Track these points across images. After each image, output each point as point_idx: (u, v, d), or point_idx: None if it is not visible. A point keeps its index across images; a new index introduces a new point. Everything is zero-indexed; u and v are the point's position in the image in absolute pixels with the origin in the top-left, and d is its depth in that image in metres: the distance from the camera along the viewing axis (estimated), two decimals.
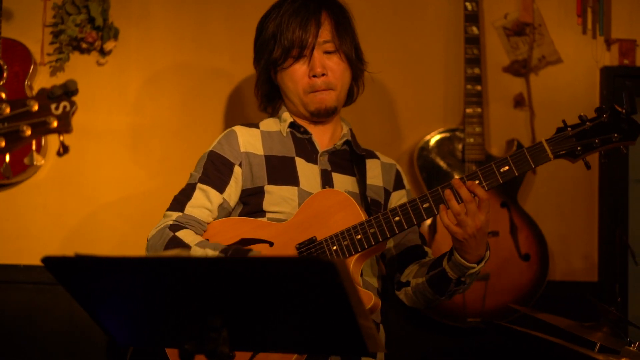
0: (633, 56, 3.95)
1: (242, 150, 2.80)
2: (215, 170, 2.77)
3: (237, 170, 2.78)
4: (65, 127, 2.06)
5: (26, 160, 2.24)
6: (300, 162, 2.81)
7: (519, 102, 3.91)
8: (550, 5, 3.96)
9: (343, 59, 2.81)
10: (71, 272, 1.88)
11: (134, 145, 3.71)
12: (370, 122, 3.81)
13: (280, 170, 2.78)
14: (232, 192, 2.77)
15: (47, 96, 2.07)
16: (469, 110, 3.76)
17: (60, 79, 3.65)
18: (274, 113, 2.96)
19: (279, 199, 2.74)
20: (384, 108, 3.85)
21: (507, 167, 2.53)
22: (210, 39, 3.78)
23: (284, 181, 2.77)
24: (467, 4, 3.81)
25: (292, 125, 2.87)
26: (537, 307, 3.63)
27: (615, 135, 2.49)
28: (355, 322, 1.76)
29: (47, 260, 1.83)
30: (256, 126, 2.89)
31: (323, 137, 2.89)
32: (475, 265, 2.61)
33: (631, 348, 2.65)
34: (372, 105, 3.75)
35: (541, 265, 3.74)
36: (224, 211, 2.79)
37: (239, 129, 2.85)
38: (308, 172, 2.80)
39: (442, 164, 3.75)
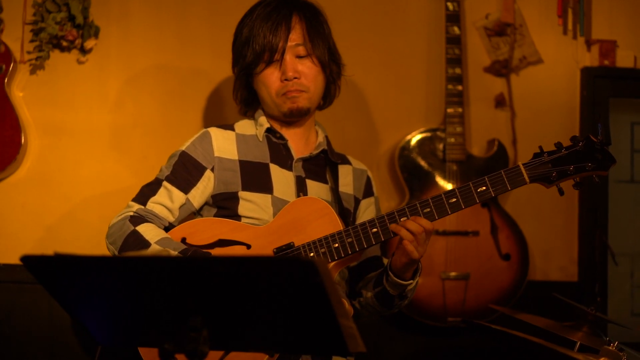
0: (613, 57, 3.97)
1: (215, 154, 2.80)
2: (184, 172, 2.77)
3: (208, 174, 2.79)
4: None
5: None
6: (274, 169, 2.82)
7: (500, 102, 3.92)
8: (531, 6, 3.98)
9: (316, 63, 2.82)
10: (51, 271, 1.87)
11: (114, 143, 3.69)
12: (352, 121, 3.81)
13: (255, 177, 2.79)
14: (198, 194, 2.78)
15: None
16: (450, 110, 3.76)
17: (40, 77, 3.63)
18: (249, 116, 2.96)
19: (253, 205, 2.76)
20: (366, 107, 3.85)
21: (484, 187, 2.59)
22: (191, 36, 3.76)
23: (257, 188, 2.78)
24: (449, 4, 3.81)
25: (269, 130, 2.87)
26: (518, 306, 3.64)
27: (589, 164, 2.56)
28: (335, 322, 1.76)
29: (26, 259, 1.82)
30: (231, 128, 2.90)
31: (299, 143, 2.90)
32: (412, 281, 2.71)
33: (610, 347, 2.66)
34: (353, 104, 3.75)
35: (521, 265, 3.75)
36: (186, 212, 2.80)
37: (213, 132, 2.85)
38: (282, 179, 2.81)
39: (423, 163, 3.75)
